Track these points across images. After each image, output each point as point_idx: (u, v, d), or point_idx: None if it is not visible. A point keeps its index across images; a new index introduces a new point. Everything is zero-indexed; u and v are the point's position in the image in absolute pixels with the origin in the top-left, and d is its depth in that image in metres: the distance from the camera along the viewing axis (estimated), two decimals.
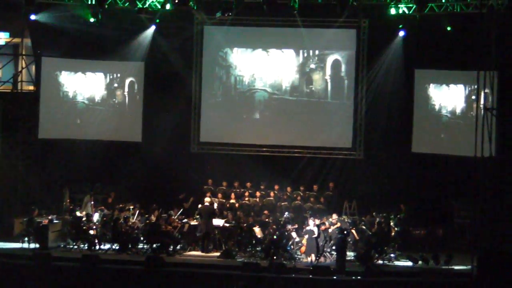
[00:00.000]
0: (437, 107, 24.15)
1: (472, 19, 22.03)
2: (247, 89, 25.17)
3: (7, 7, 24.49)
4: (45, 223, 21.26)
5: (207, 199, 21.97)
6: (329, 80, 24.84)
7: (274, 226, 21.05)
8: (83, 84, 25.14)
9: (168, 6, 23.98)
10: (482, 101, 20.84)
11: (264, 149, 24.85)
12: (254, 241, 21.14)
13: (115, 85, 25.29)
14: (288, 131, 24.95)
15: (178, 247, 21.22)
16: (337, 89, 24.88)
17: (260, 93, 25.07)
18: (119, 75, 25.28)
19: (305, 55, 24.91)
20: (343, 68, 24.79)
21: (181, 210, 22.45)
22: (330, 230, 21.00)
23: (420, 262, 19.90)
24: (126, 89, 25.27)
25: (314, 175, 24.45)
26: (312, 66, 24.87)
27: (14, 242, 21.75)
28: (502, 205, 20.19)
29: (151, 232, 20.99)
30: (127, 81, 25.28)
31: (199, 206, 21.82)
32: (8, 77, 24.87)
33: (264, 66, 25.07)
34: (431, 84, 24.20)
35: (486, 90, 20.49)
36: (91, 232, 21.28)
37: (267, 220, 21.84)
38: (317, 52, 24.89)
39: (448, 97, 23.99)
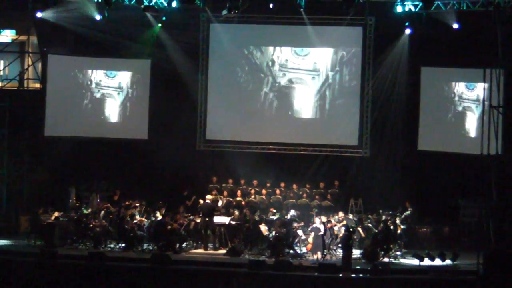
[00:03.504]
0: (443, 105, 24.08)
1: (479, 16, 21.99)
2: (254, 89, 25.19)
3: (14, 5, 24.56)
4: (52, 220, 21.31)
5: (208, 196, 22.05)
6: (335, 78, 24.83)
7: (280, 224, 21.04)
8: (90, 82, 25.15)
9: (174, 4, 24.00)
10: (488, 99, 20.77)
11: (270, 146, 24.84)
12: (260, 239, 21.15)
13: (121, 82, 25.28)
14: (294, 129, 24.91)
15: (184, 244, 21.24)
16: (343, 87, 24.87)
17: (269, 92, 25.09)
18: (125, 72, 25.29)
19: (314, 54, 24.90)
20: (349, 66, 24.78)
21: (186, 207, 22.50)
22: (336, 228, 20.99)
23: (426, 260, 19.87)
24: (133, 87, 25.28)
25: (320, 173, 24.42)
26: (320, 65, 24.86)
27: (21, 239, 21.81)
28: (508, 203, 20.13)
29: (157, 230, 21.02)
30: (134, 78, 25.29)
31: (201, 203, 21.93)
32: (14, 74, 24.90)
33: (272, 64, 25.04)
34: (437, 82, 24.14)
35: (493, 88, 20.40)
36: (97, 230, 21.30)
37: (273, 217, 21.83)
38: (325, 50, 24.87)
39: (454, 95, 23.94)
